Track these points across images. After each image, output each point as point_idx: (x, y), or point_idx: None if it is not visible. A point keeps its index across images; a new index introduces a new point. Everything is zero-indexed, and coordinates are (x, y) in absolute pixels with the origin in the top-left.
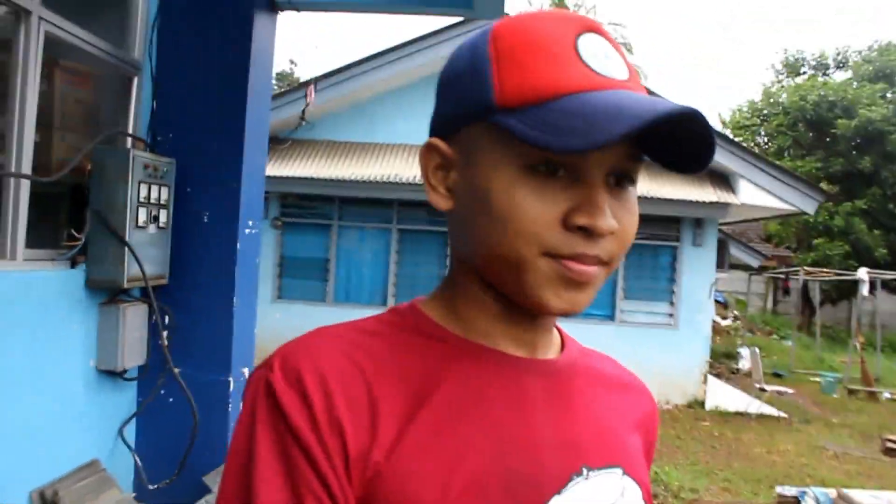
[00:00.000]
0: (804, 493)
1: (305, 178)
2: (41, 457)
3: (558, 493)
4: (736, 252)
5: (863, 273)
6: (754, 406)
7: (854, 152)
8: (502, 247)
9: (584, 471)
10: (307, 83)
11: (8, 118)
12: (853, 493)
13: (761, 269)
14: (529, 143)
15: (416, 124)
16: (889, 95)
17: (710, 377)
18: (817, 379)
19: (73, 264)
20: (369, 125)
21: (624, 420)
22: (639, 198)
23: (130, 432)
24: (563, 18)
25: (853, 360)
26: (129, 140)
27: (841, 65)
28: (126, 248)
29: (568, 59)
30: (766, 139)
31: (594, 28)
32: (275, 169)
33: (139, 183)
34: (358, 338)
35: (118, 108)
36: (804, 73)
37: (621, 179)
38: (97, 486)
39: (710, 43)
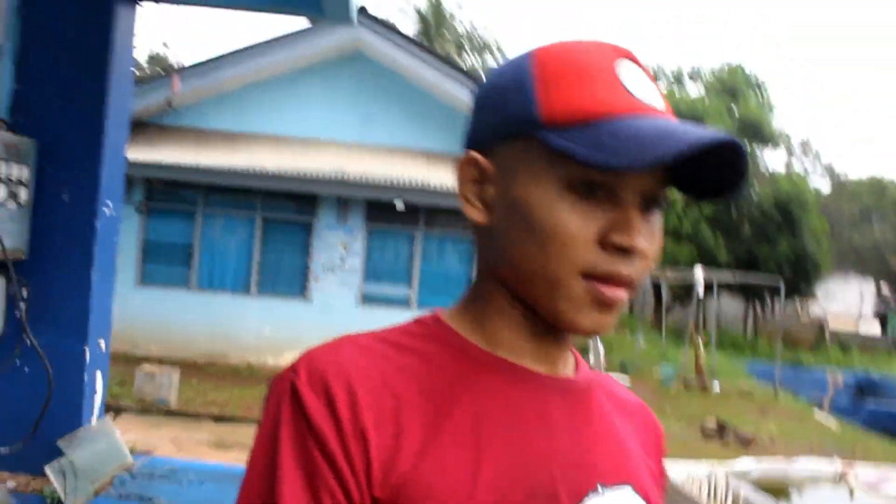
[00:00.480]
0: None
1: (171, 165)
2: None
3: None
4: None
5: (697, 272)
6: None
7: None
8: (539, 263)
9: (600, 488)
10: (173, 71)
11: None
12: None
13: None
14: (576, 160)
15: (282, 116)
16: (735, 110)
17: None
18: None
19: None
20: (237, 115)
21: (635, 440)
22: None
23: None
24: (601, 45)
25: (689, 356)
26: None
27: (692, 78)
28: None
29: (611, 83)
30: None
31: (630, 56)
32: (141, 154)
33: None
34: (383, 348)
35: None
36: (661, 83)
37: (650, 203)
38: None
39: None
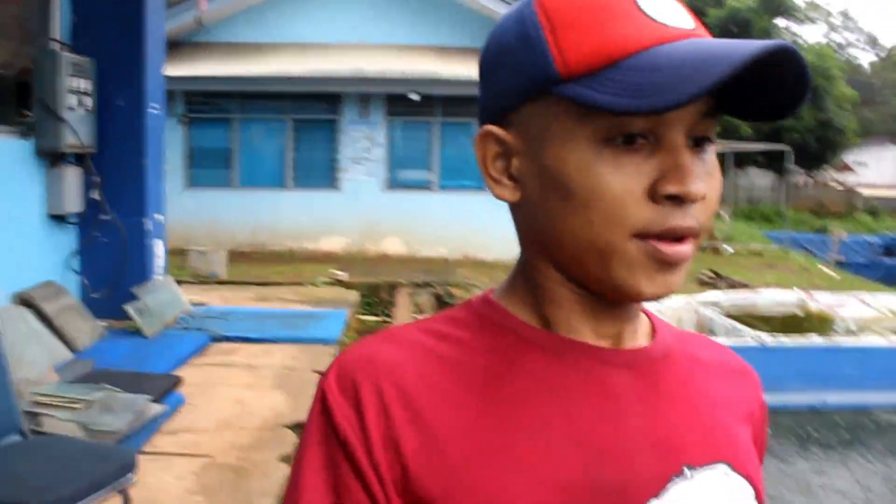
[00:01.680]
0: None
1: (206, 78)
2: (13, 275)
3: (656, 496)
4: None
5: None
6: None
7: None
8: (586, 232)
9: (686, 470)
10: None
11: None
12: None
13: None
14: (608, 110)
15: (304, 24)
16: None
17: None
18: None
19: (26, 136)
20: (262, 27)
21: (730, 410)
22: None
23: (76, 262)
24: None
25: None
26: (54, 44)
27: None
28: (63, 124)
29: (631, 13)
30: None
31: None
32: (178, 70)
33: (69, 77)
34: (425, 339)
35: (43, 20)
36: None
37: (700, 140)
38: (56, 293)
39: None
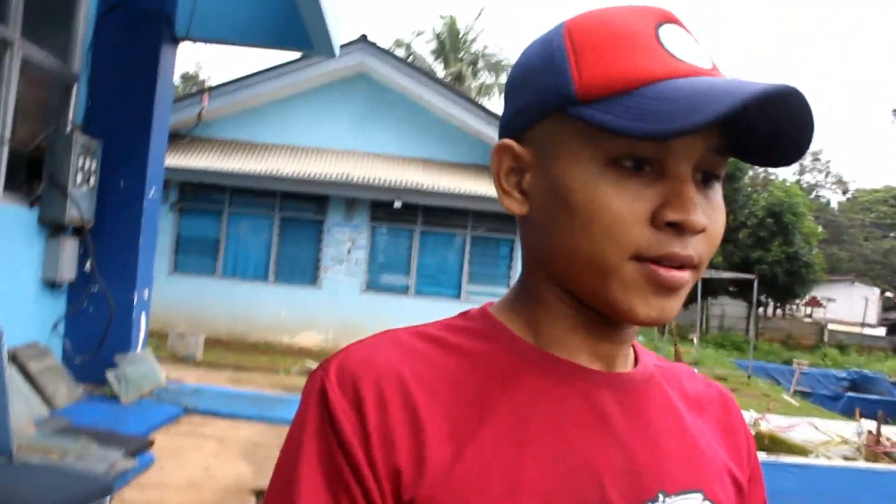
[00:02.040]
0: None
1: (201, 170)
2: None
3: None
4: None
5: None
6: None
7: None
8: (586, 249)
9: (661, 497)
10: (202, 91)
11: None
12: None
13: None
14: (616, 132)
15: (298, 128)
16: None
17: None
18: None
19: (32, 206)
20: (258, 127)
21: (707, 438)
22: (481, 197)
23: (61, 326)
24: (641, 10)
25: (682, 351)
26: (70, 126)
27: None
28: (68, 198)
29: (651, 48)
30: None
31: (673, 19)
32: (175, 160)
33: (77, 156)
34: (423, 345)
35: (62, 104)
36: None
37: (708, 177)
38: (40, 354)
39: None
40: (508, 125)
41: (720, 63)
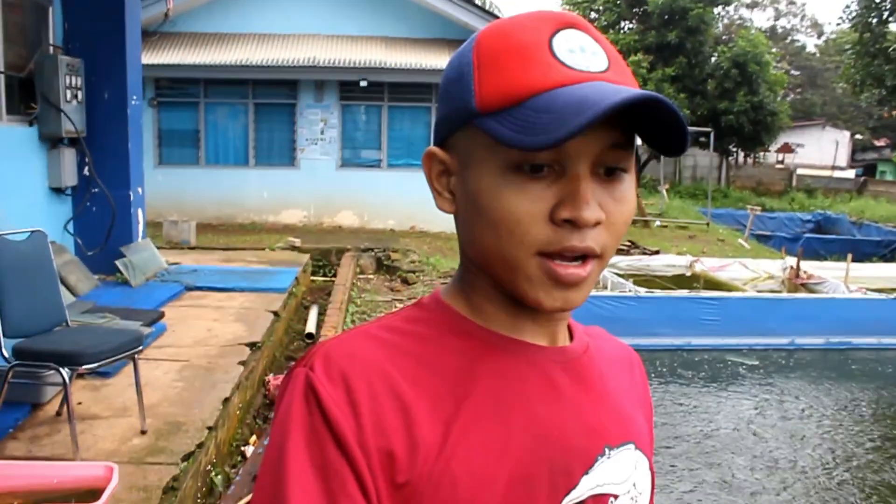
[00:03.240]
0: None
1: (174, 65)
2: None
3: (586, 473)
4: None
5: None
6: None
7: (663, 27)
8: (496, 248)
9: (607, 450)
10: None
11: None
12: None
13: None
14: (504, 144)
15: (264, 15)
16: None
17: None
18: None
19: (31, 124)
20: (226, 18)
21: (629, 396)
22: (441, 71)
23: (71, 226)
24: (539, 18)
25: (645, 203)
26: (52, 49)
27: None
28: (61, 114)
29: (541, 58)
30: (598, 14)
31: (571, 23)
32: (148, 58)
33: (64, 75)
34: (393, 338)
35: (42, 29)
36: None
37: (612, 170)
38: (59, 251)
39: None
40: (436, 132)
41: (619, 60)
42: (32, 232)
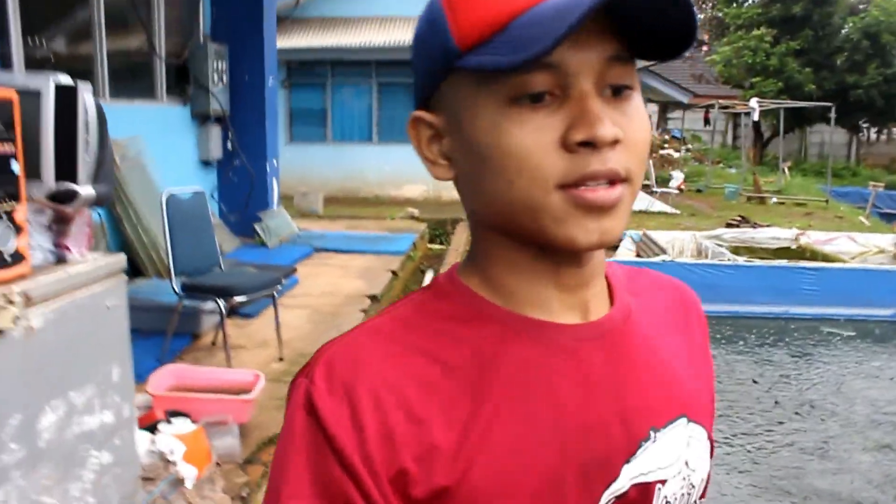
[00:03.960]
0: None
1: (304, 48)
2: None
3: (627, 462)
4: (665, 89)
5: (753, 102)
6: (654, 206)
7: None
8: (509, 192)
9: (652, 433)
10: None
11: (152, 32)
12: (652, 233)
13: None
14: (490, 70)
15: (386, 1)
16: None
17: None
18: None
19: (186, 104)
20: (350, 3)
21: (684, 356)
22: None
23: (216, 194)
24: None
25: (762, 181)
26: (202, 37)
27: None
28: (210, 95)
29: None
30: None
31: None
32: (281, 42)
33: (212, 61)
34: (403, 335)
35: (193, 19)
36: None
37: (618, 88)
38: None
39: None
40: (418, 97)
41: None
42: (195, 192)
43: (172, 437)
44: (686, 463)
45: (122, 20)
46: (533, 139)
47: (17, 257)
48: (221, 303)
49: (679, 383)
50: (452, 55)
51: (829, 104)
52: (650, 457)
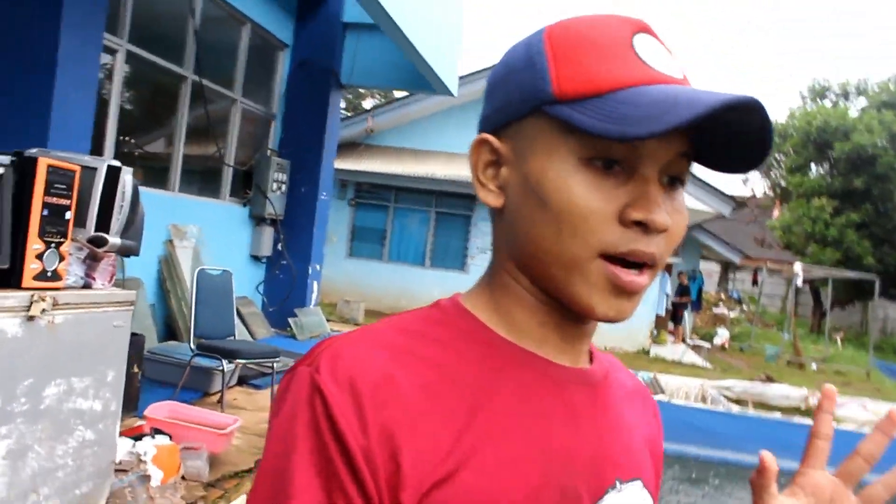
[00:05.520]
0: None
1: (372, 173)
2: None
3: (594, 503)
4: (717, 247)
5: (797, 267)
6: (686, 356)
7: (851, 172)
8: (555, 243)
9: (618, 483)
10: (369, 111)
11: (227, 141)
12: (662, 377)
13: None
14: (588, 132)
15: (450, 136)
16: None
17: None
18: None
19: (245, 205)
20: (418, 137)
21: (640, 431)
22: None
23: (261, 287)
24: (617, 19)
25: (821, 349)
26: (269, 151)
27: (861, 92)
28: (267, 200)
29: (625, 55)
30: (786, 156)
31: (648, 29)
32: (351, 165)
33: (274, 171)
34: (407, 341)
35: (264, 136)
36: (828, 99)
37: (673, 180)
38: (248, 304)
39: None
40: (488, 120)
41: (690, 75)
42: (223, 270)
43: (150, 445)
44: None
45: (204, 130)
46: (597, 204)
47: (56, 276)
48: (225, 362)
49: (638, 449)
50: (545, 99)
51: (874, 276)
52: None
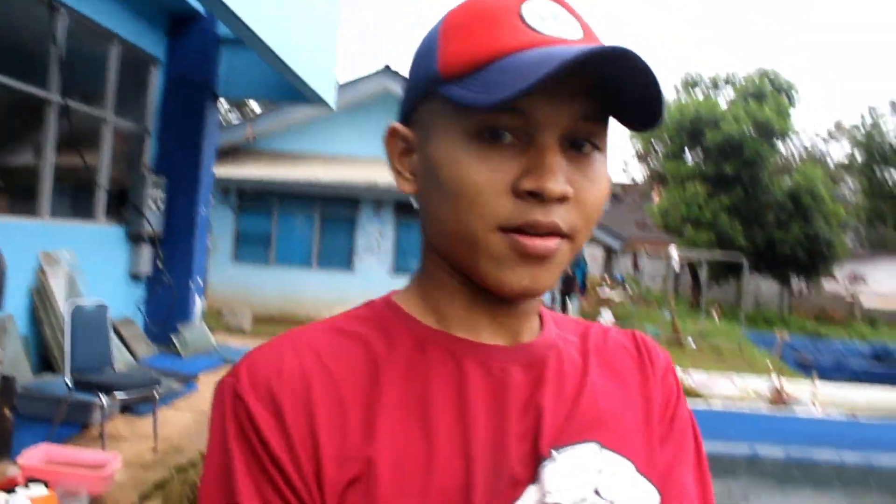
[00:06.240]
0: None
1: (255, 179)
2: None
3: (533, 482)
4: (600, 234)
5: (672, 249)
6: None
7: (722, 159)
8: (455, 222)
9: (553, 453)
10: (249, 119)
11: (99, 161)
12: None
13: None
14: (461, 104)
15: (333, 140)
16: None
17: None
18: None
19: (121, 224)
20: (300, 141)
21: (621, 393)
22: None
23: (142, 306)
24: None
25: (699, 325)
26: (144, 168)
27: (729, 83)
28: (145, 219)
29: (509, 23)
30: (664, 145)
31: None
32: (234, 170)
33: (150, 189)
34: (328, 338)
35: (139, 153)
36: (699, 90)
37: (582, 145)
38: (129, 324)
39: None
40: (400, 110)
41: (600, 31)
42: (99, 305)
43: (24, 498)
44: (596, 491)
45: (74, 146)
46: (487, 177)
47: None
48: (103, 396)
49: (595, 412)
50: (435, 80)
51: (741, 256)
52: (552, 478)
